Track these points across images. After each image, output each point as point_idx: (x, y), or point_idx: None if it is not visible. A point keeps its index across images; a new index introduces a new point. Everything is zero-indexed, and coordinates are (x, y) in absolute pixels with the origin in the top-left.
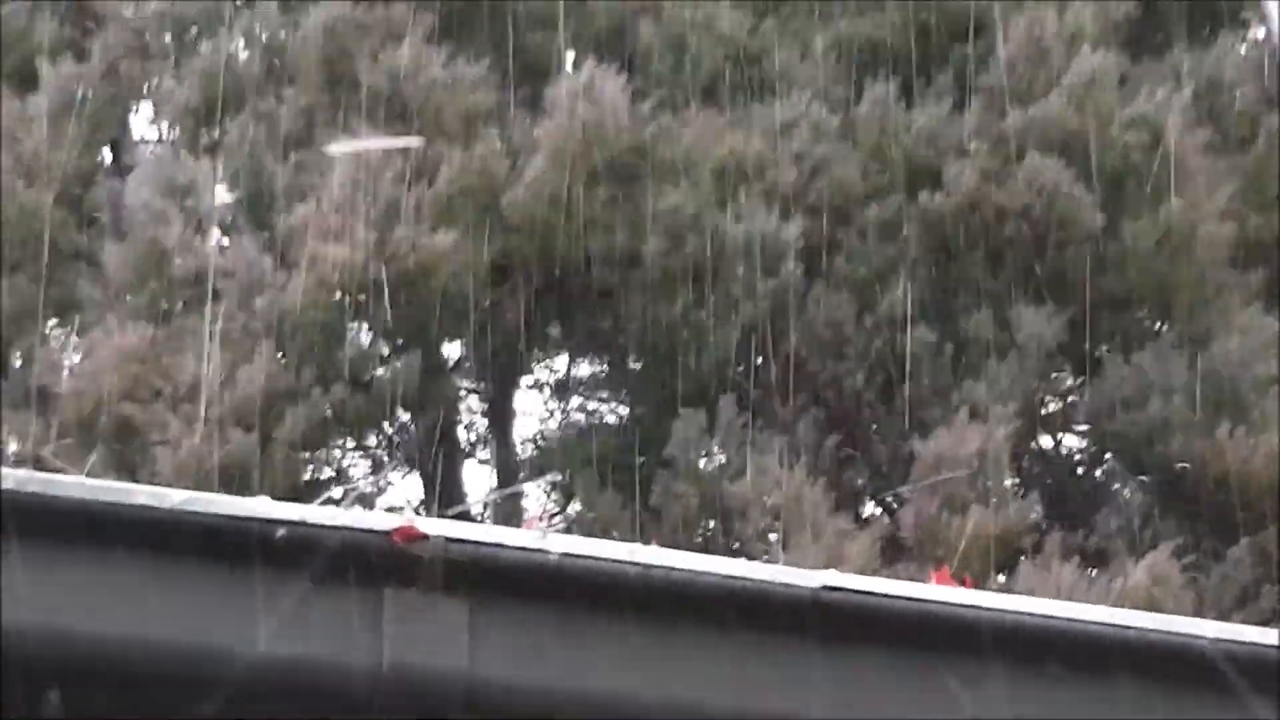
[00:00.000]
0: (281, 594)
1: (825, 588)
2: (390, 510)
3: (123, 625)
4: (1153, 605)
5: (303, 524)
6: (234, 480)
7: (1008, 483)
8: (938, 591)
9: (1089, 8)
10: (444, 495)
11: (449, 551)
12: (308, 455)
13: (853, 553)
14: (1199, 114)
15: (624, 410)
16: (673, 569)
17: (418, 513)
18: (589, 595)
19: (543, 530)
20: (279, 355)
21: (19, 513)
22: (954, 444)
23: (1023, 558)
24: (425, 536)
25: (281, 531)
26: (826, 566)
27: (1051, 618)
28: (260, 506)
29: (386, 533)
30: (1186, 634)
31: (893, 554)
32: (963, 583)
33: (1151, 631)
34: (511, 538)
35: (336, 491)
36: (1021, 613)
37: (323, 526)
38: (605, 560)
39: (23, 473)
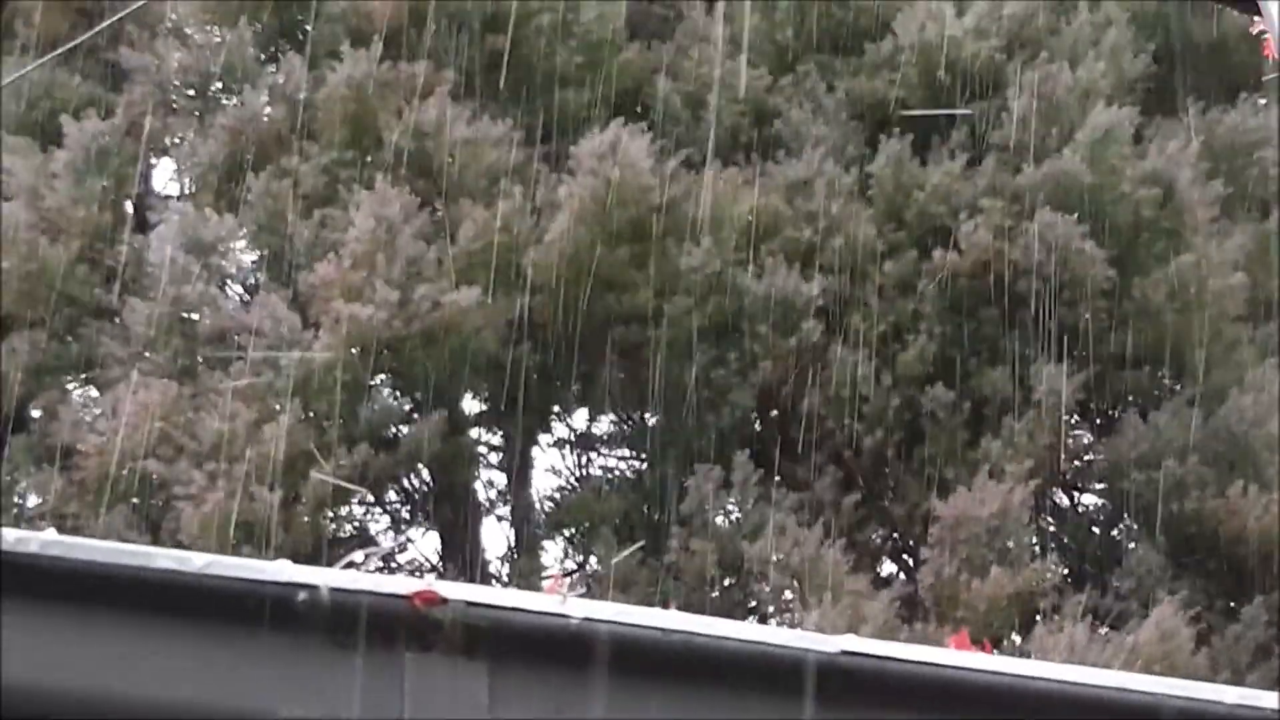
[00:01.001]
0: (303, 658)
1: (844, 653)
2: (410, 573)
3: (145, 689)
4: (1166, 664)
5: (324, 588)
6: (257, 538)
7: (1025, 541)
8: (956, 657)
9: (1102, 64)
10: (463, 553)
11: (469, 615)
12: (330, 514)
13: (872, 613)
14: (1213, 170)
15: (643, 467)
16: (692, 633)
17: (437, 575)
18: (609, 659)
19: (563, 594)
20: (303, 413)
21: (42, 576)
22: (973, 503)
23: (1038, 618)
24: (445, 600)
25: (302, 595)
26: (847, 627)
27: (1070, 683)
28: (281, 570)
29: (407, 596)
30: (1205, 699)
31: (911, 614)
32: (981, 647)
33: (1169, 697)
34: (531, 602)
35: (358, 555)
36: (1040, 678)
37: (343, 590)
38: (625, 625)
39: (46, 535)
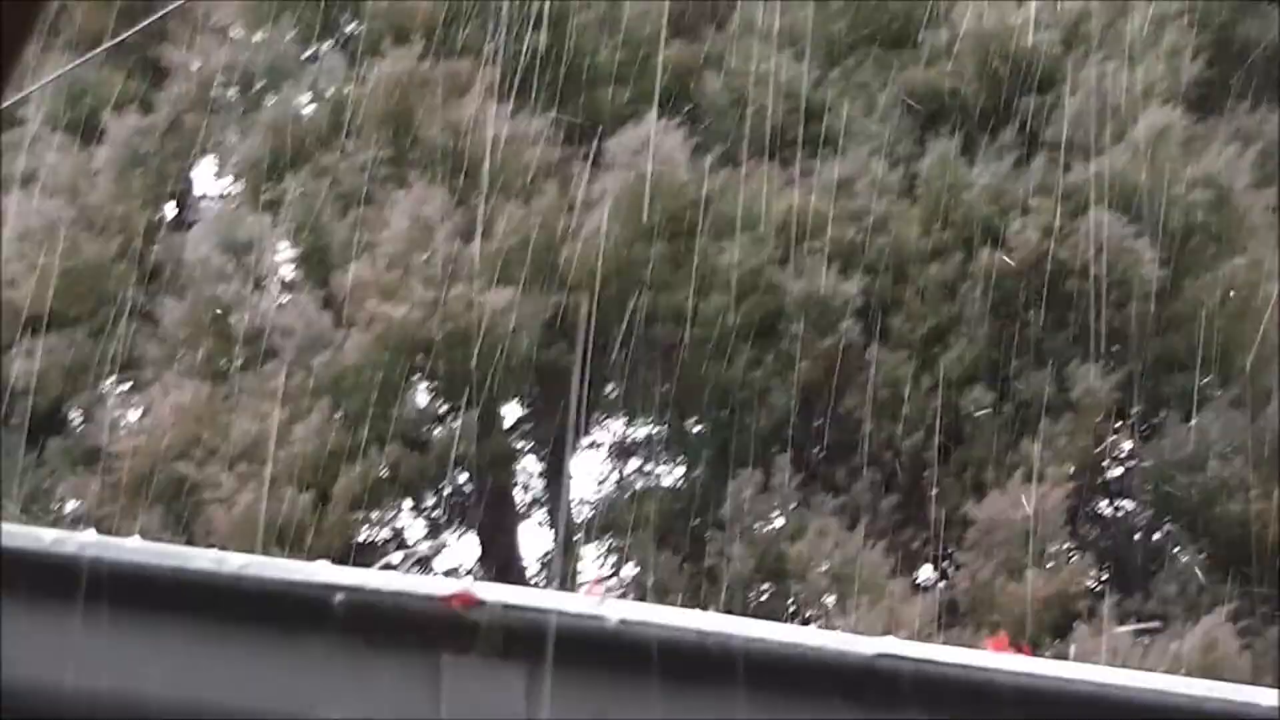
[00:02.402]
0: (340, 659)
1: (881, 654)
2: (447, 575)
3: (182, 689)
4: (1208, 670)
5: (361, 589)
6: (290, 540)
7: (1065, 546)
8: (994, 659)
9: (1159, 65)
10: (500, 557)
11: (506, 617)
12: (363, 516)
13: (910, 616)
14: (1265, 174)
15: (681, 471)
16: (730, 635)
17: (475, 578)
18: (647, 661)
19: (601, 596)
20: (337, 413)
21: (80, 577)
22: (1008, 506)
23: (1077, 622)
24: (482, 602)
25: (340, 596)
26: (885, 630)
27: (1107, 685)
28: (319, 571)
29: (444, 598)
30: (1245, 702)
31: (950, 617)
32: (1019, 650)
33: (1208, 700)
34: (569, 604)
35: (395, 555)
36: (1077, 680)
37: (381, 591)
38: (663, 626)
39: (84, 536)
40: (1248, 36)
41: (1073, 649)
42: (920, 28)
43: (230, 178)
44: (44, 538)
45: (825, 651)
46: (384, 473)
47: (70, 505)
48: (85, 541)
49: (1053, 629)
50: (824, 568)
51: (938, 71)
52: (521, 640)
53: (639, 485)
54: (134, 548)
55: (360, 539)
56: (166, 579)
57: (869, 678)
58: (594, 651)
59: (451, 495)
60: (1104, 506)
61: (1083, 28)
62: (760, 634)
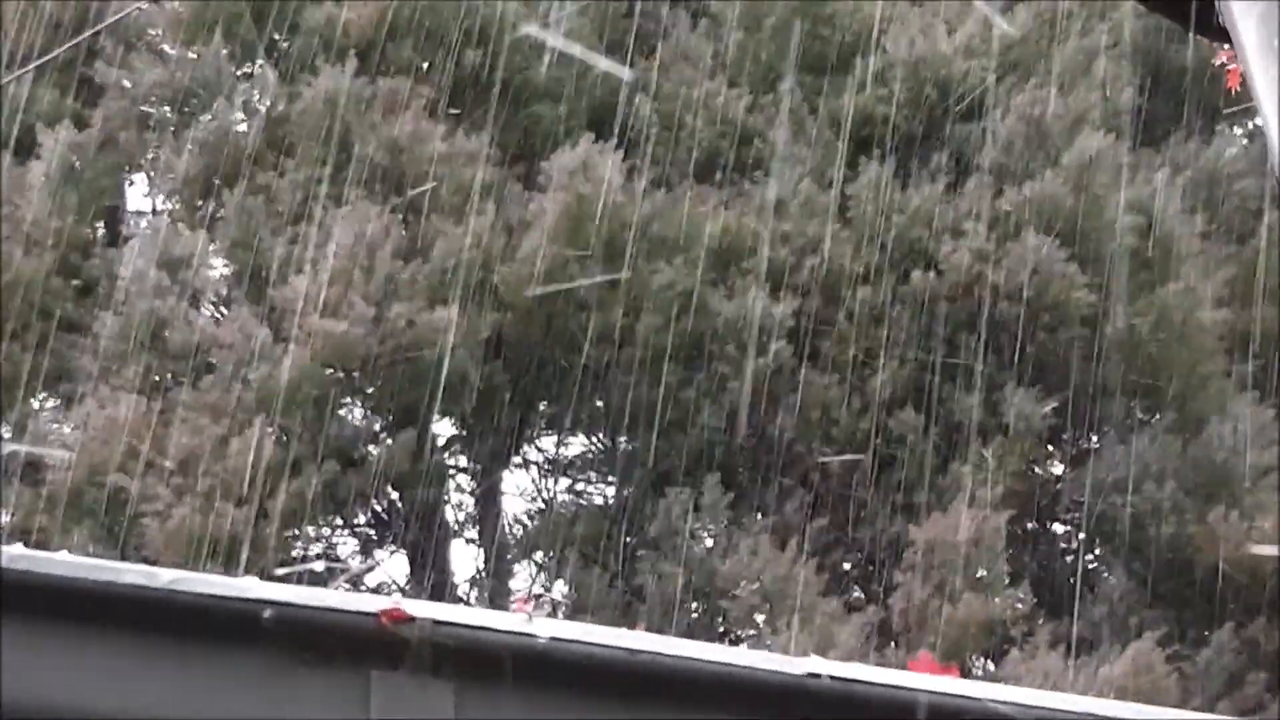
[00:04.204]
0: (269, 675)
1: (811, 674)
2: (377, 592)
3: (110, 703)
4: (1137, 693)
5: (290, 605)
6: (223, 555)
7: (996, 569)
8: (924, 680)
9: (1092, 93)
10: (431, 575)
11: (436, 634)
12: (297, 532)
13: (842, 637)
14: (1196, 202)
15: (612, 490)
16: (660, 654)
17: (405, 595)
18: (576, 679)
19: (529, 614)
20: (271, 430)
21: (6, 589)
22: (945, 529)
23: (1010, 646)
24: (412, 618)
25: (269, 612)
26: (816, 651)
27: (1034, 708)
28: (248, 587)
29: (374, 614)
30: None
31: (881, 639)
32: (945, 670)
33: None
34: (499, 621)
35: (318, 565)
36: (1005, 703)
37: (310, 607)
38: (593, 645)
39: (13, 549)
40: (1178, 66)
41: (1002, 671)
42: (853, 53)
43: (165, 194)
44: None
45: (756, 671)
46: (318, 490)
47: (1, 518)
48: (13, 554)
49: (986, 651)
50: (754, 587)
51: (870, 97)
52: (452, 656)
53: (570, 503)
54: (62, 561)
55: (294, 555)
56: (95, 593)
57: (800, 697)
58: (524, 668)
59: (384, 512)
60: (1036, 530)
61: (1014, 55)
62: (691, 653)
